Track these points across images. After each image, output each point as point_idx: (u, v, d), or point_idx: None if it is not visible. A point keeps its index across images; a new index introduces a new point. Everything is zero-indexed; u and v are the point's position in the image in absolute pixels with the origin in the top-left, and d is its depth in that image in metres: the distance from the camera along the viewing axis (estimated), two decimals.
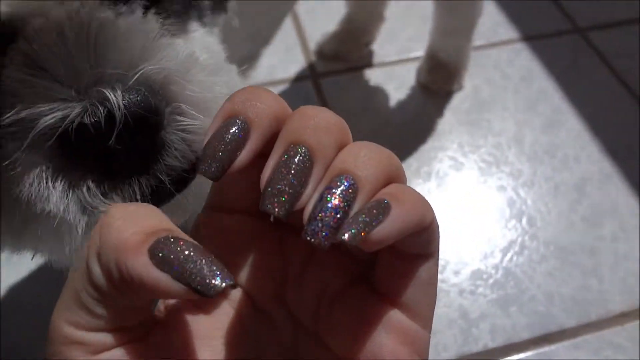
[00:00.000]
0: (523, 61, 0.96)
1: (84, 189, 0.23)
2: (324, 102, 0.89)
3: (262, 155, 0.19)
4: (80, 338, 0.18)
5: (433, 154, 0.84)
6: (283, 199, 0.18)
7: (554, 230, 0.76)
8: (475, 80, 0.93)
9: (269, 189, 0.18)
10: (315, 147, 0.18)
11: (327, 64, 0.94)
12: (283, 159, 0.18)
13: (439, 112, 0.89)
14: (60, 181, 0.23)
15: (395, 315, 0.20)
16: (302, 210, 0.18)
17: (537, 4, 1.06)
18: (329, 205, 0.17)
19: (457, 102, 0.90)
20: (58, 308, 0.19)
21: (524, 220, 0.77)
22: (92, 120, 0.22)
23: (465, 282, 0.71)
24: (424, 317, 0.21)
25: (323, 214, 0.17)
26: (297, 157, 0.18)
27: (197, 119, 0.24)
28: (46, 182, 0.23)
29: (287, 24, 1.00)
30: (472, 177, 0.82)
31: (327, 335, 0.21)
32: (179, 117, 0.24)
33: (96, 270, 0.17)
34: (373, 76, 0.94)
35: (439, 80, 0.89)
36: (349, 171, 0.18)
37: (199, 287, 0.16)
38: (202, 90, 0.25)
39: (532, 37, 1.00)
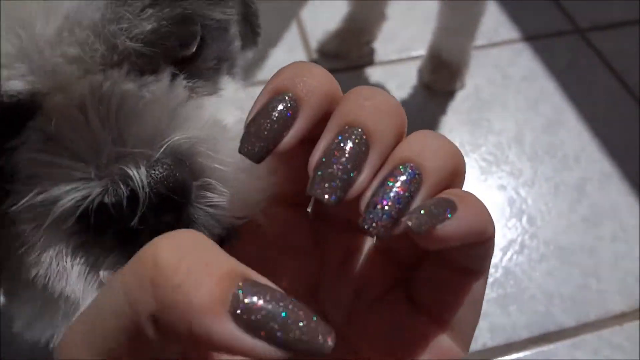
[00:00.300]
0: (524, 61, 0.97)
1: (104, 269, 0.22)
2: None
3: (308, 139, 0.18)
4: None
5: None
6: (335, 184, 0.16)
7: (554, 229, 0.76)
8: (476, 79, 0.93)
9: (319, 173, 0.16)
10: (373, 131, 0.17)
11: (328, 62, 0.94)
12: (336, 140, 0.17)
13: (439, 111, 0.89)
14: (79, 261, 0.22)
15: (441, 340, 0.19)
16: (349, 201, 0.17)
17: (538, 5, 1.06)
18: (391, 193, 0.16)
19: (458, 102, 0.90)
20: (75, 346, 0.15)
21: (524, 220, 0.77)
22: (113, 200, 0.20)
23: None
24: (466, 338, 0.19)
25: (385, 202, 0.16)
26: (353, 140, 0.16)
27: (225, 195, 0.22)
28: (64, 262, 0.21)
29: (289, 23, 1.00)
30: (473, 176, 0.82)
31: (360, 341, 0.20)
32: (207, 193, 0.22)
33: (150, 332, 0.14)
34: (374, 75, 0.94)
35: (441, 80, 0.89)
36: (414, 160, 0.17)
37: (305, 351, 0.14)
38: (231, 161, 0.23)
39: (533, 37, 1.00)
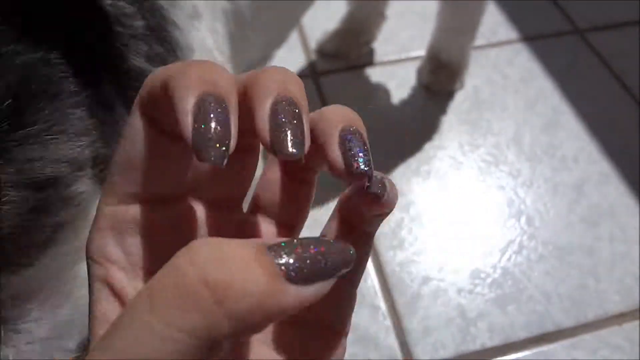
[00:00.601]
0: (523, 61, 0.97)
1: None
2: (323, 100, 0.89)
3: (171, 135, 0.18)
4: (119, 212, 0.19)
5: (432, 153, 0.84)
6: (297, 140, 0.17)
7: (553, 230, 0.76)
8: (475, 80, 0.93)
9: (276, 134, 0.17)
10: (298, 98, 0.18)
11: (327, 62, 0.94)
12: (275, 107, 0.17)
13: (438, 111, 0.89)
14: None
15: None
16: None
17: (537, 5, 1.06)
18: (357, 145, 0.18)
19: (457, 102, 0.90)
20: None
21: (523, 220, 0.77)
22: None
23: (464, 281, 0.71)
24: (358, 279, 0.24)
25: (359, 150, 0.18)
26: (288, 105, 0.17)
27: None
28: None
29: None
30: (472, 177, 0.82)
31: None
32: None
33: (226, 345, 0.14)
34: (373, 75, 0.94)
35: (440, 80, 0.90)
36: (347, 124, 0.19)
37: (344, 264, 0.16)
38: None
39: (532, 38, 1.00)
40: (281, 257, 0.15)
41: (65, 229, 0.28)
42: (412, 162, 0.83)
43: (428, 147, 0.84)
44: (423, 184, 0.80)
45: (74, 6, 0.28)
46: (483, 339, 0.67)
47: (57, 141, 0.26)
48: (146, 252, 0.19)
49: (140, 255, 0.19)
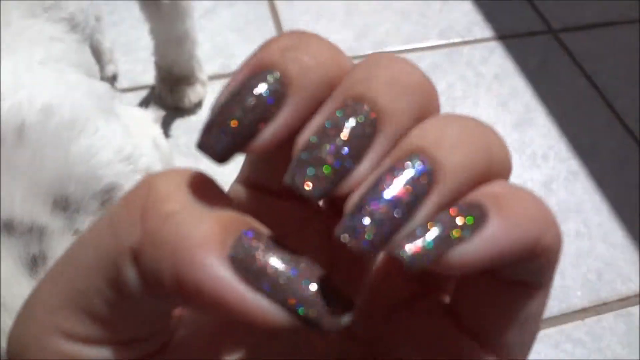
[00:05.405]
0: (496, 59, 0.98)
1: None
2: None
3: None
4: (78, 353, 0.12)
5: None
6: (324, 172, 0.12)
7: None
8: (448, 77, 0.94)
9: (303, 156, 0.12)
10: (385, 109, 0.12)
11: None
12: (334, 116, 0.12)
13: None
14: None
15: None
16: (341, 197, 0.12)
17: (512, 5, 1.07)
18: (385, 194, 0.11)
19: None
20: (41, 310, 0.12)
21: None
22: None
23: None
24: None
25: (375, 205, 0.11)
26: (356, 118, 0.12)
27: None
28: None
29: (264, 13, 1.00)
30: None
31: (392, 344, 0.16)
32: None
33: (129, 274, 0.11)
34: None
35: (183, 96, 0.84)
36: (428, 151, 0.12)
37: (314, 320, 0.11)
38: None
39: (506, 36, 1.01)
40: (253, 241, 0.11)
41: None
42: None
43: None
44: None
45: None
46: None
47: None
48: None
49: None
